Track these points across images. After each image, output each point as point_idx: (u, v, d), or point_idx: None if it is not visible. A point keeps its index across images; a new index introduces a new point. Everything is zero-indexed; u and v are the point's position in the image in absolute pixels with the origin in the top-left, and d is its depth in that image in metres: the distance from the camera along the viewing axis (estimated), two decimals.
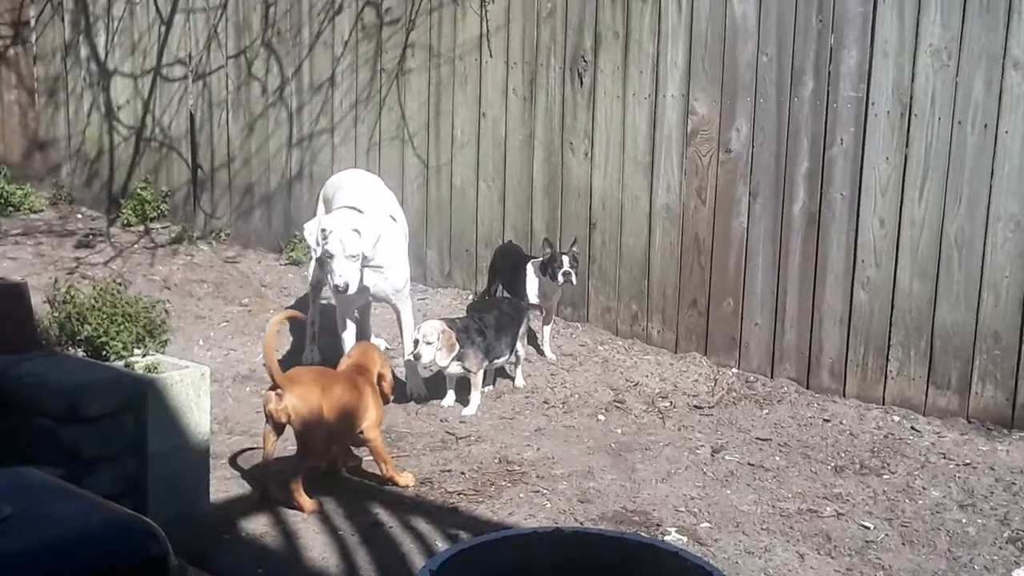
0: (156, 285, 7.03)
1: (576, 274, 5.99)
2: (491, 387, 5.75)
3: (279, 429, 4.33)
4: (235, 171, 8.10)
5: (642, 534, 4.08)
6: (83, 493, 2.53)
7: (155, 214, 8.34)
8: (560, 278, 5.95)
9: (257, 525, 4.19)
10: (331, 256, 5.20)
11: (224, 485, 4.52)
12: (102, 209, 8.73)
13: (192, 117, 8.28)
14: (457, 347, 5.33)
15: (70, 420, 3.78)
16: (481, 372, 5.51)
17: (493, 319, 5.57)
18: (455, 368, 5.43)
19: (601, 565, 2.42)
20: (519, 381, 5.82)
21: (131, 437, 3.94)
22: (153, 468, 3.97)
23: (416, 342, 5.29)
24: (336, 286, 5.23)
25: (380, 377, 4.65)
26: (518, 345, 5.73)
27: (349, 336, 5.60)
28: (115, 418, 3.89)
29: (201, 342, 6.24)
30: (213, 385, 5.41)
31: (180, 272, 7.34)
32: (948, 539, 4.29)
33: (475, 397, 5.49)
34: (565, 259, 5.96)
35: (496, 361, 5.62)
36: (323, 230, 5.21)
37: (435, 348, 5.25)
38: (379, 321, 6.33)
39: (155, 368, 4.10)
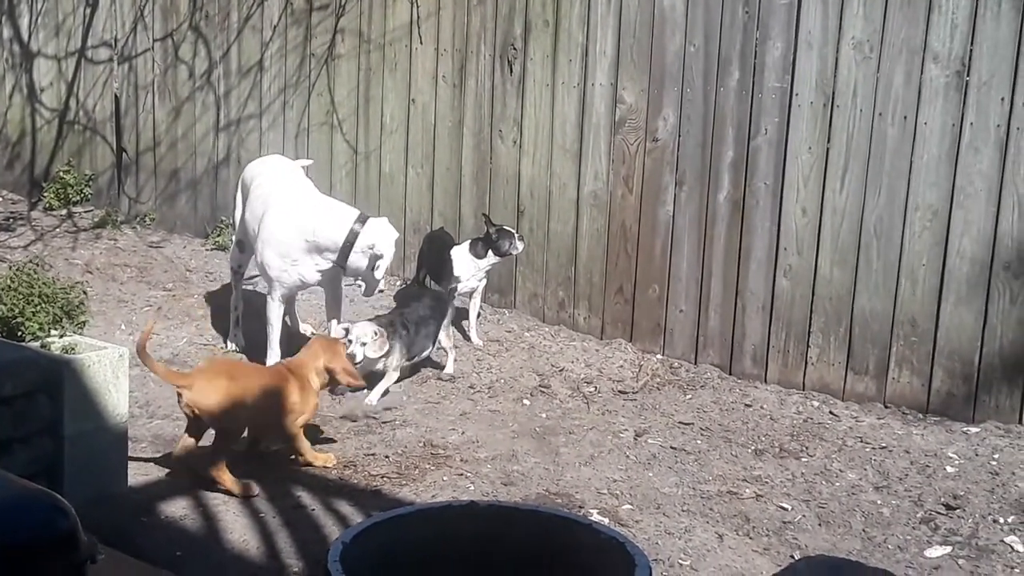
0: (78, 269, 6.91)
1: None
2: (410, 377, 5.68)
3: (195, 422, 4.29)
4: (161, 155, 8.00)
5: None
6: None
7: (78, 198, 8.20)
8: (519, 245, 6.05)
9: (176, 508, 4.14)
10: (380, 257, 5.20)
11: (144, 468, 4.46)
12: (23, 192, 8.57)
13: (117, 100, 8.16)
14: (387, 346, 5.26)
15: None
16: (399, 369, 5.45)
17: (416, 314, 5.52)
18: (378, 365, 5.35)
19: (517, 539, 2.44)
20: (449, 369, 5.79)
21: (46, 418, 3.88)
22: (69, 449, 3.93)
23: (349, 342, 5.18)
24: (381, 291, 5.44)
25: (331, 371, 4.58)
26: (442, 335, 5.69)
27: (279, 323, 5.53)
28: (30, 399, 3.83)
29: (123, 326, 6.15)
30: (134, 369, 5.33)
31: (103, 256, 7.23)
32: (863, 520, 4.37)
33: (382, 386, 5.38)
34: (511, 231, 6.03)
35: (419, 356, 5.57)
36: (371, 244, 5.21)
37: (370, 349, 5.17)
38: (304, 306, 6.28)
39: (72, 349, 4.04)
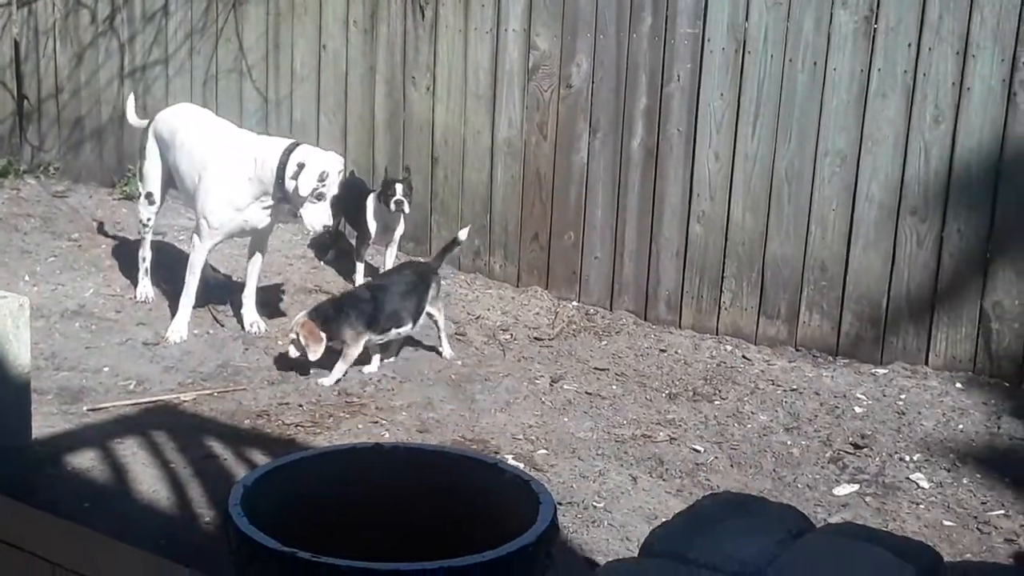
0: None
1: (409, 203, 5.92)
2: (393, 358, 5.28)
3: None
4: (64, 103, 7.77)
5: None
6: None
7: None
8: (392, 206, 5.89)
9: (83, 459, 4.06)
10: (323, 197, 5.06)
11: (50, 421, 4.36)
12: None
13: (17, 46, 7.88)
14: (324, 337, 4.87)
15: None
16: (358, 345, 4.99)
17: (388, 284, 5.17)
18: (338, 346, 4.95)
19: (423, 481, 2.42)
20: (447, 352, 5.34)
21: None
22: None
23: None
24: (327, 226, 5.20)
25: None
26: (433, 311, 5.28)
27: (200, 271, 5.41)
28: None
29: (27, 277, 5.97)
30: (40, 320, 5.24)
31: (5, 207, 7.02)
32: (774, 460, 4.45)
33: (339, 369, 4.99)
34: (399, 187, 5.89)
35: (396, 330, 5.12)
36: (323, 172, 5.03)
37: (301, 345, 4.85)
38: (219, 257, 6.14)
39: None
